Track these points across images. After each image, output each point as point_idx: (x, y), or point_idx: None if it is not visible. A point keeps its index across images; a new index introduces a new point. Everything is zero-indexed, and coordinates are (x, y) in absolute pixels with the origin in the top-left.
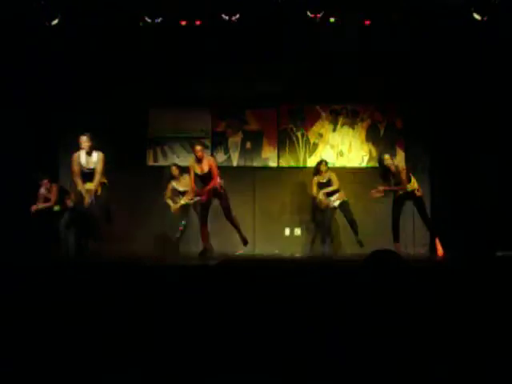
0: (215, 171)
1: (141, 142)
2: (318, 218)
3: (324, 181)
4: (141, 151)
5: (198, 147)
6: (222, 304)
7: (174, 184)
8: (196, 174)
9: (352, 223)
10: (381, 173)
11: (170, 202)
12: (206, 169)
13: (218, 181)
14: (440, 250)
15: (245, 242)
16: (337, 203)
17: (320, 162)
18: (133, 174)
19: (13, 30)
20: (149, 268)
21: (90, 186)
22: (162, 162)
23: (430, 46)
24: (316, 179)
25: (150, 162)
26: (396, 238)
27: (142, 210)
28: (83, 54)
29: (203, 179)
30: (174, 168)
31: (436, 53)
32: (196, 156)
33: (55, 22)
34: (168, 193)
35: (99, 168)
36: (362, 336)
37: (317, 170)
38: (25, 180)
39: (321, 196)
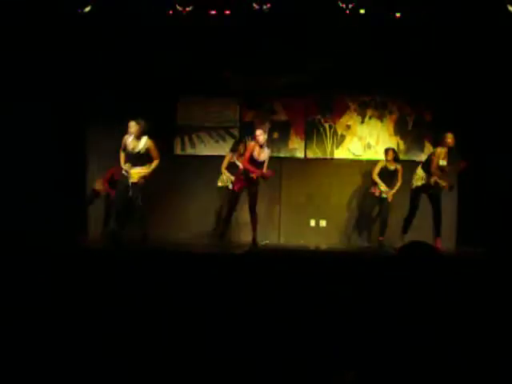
0: (266, 163)
1: (169, 131)
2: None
3: (392, 168)
4: (169, 140)
5: (259, 131)
6: (247, 294)
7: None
8: (252, 157)
9: (384, 223)
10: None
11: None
12: (263, 157)
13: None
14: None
15: (254, 241)
16: (390, 197)
17: (388, 149)
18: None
19: (42, 17)
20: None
21: (142, 170)
22: (189, 151)
23: (462, 40)
24: (382, 163)
25: (178, 151)
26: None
27: (168, 198)
28: (112, 42)
29: (257, 165)
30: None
31: (467, 47)
32: (258, 140)
33: (87, 9)
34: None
35: (155, 154)
36: (393, 329)
37: (385, 156)
38: (52, 173)
39: (382, 186)
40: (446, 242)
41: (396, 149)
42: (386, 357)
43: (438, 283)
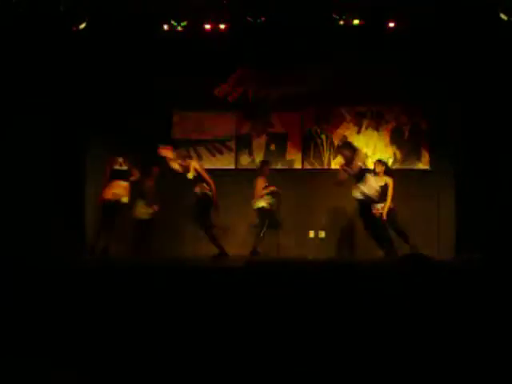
0: None
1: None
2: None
3: (381, 184)
4: None
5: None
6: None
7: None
8: None
9: (400, 233)
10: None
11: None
12: None
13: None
14: None
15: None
16: (384, 212)
17: (375, 162)
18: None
19: (37, 34)
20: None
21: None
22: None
23: (456, 48)
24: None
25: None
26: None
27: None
28: (108, 56)
29: None
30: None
31: (461, 54)
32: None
33: (82, 26)
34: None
35: None
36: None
37: (374, 170)
38: (51, 184)
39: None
40: (445, 251)
41: (392, 158)
42: (383, 361)
43: (434, 293)
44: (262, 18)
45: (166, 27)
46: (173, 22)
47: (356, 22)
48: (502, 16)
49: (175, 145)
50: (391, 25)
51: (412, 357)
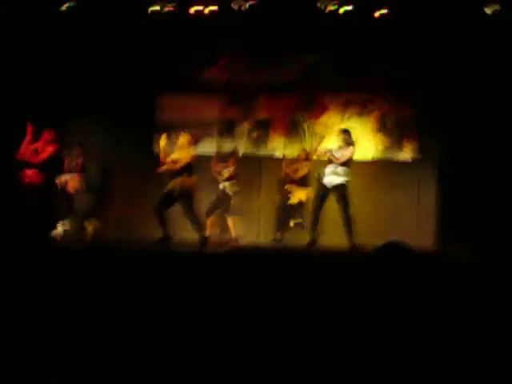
0: None
1: (148, 129)
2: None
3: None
4: (148, 138)
5: None
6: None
7: None
8: None
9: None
10: None
11: None
12: None
13: None
14: None
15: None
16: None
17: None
18: (138, 160)
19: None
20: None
21: None
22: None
23: (442, 38)
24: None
25: (157, 149)
26: None
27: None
28: (91, 39)
29: None
30: None
31: (446, 43)
32: None
33: (64, 7)
34: None
35: None
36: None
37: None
38: None
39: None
40: (426, 240)
41: (376, 147)
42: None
43: (414, 283)
44: (253, 2)
45: (152, 8)
46: (157, 6)
47: (344, 8)
48: (487, 10)
49: (158, 130)
50: (380, 12)
51: (398, 355)
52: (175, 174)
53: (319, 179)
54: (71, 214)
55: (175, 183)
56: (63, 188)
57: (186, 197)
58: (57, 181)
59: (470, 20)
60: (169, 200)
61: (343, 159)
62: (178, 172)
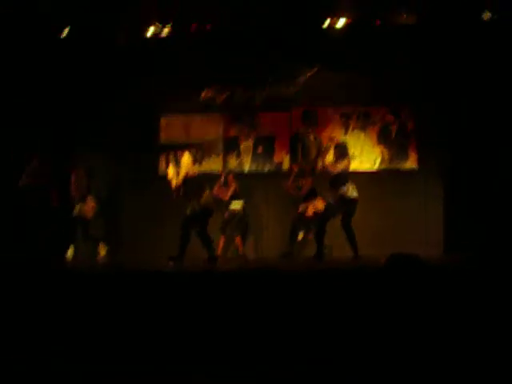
0: None
1: (153, 151)
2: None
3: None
4: (153, 159)
5: None
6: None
7: None
8: None
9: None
10: None
11: None
12: None
13: None
14: None
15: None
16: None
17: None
18: (144, 183)
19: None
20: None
21: None
22: None
23: (443, 47)
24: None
25: (163, 169)
26: None
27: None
28: (94, 62)
29: None
30: None
31: (446, 52)
32: None
33: (65, 32)
34: None
35: None
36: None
37: None
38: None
39: None
40: (435, 249)
41: (380, 158)
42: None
43: (423, 293)
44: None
45: (151, 31)
46: (157, 26)
47: (342, 22)
48: (485, 15)
49: (162, 150)
50: (378, 24)
51: (407, 359)
52: (187, 194)
53: (342, 192)
54: (86, 238)
55: (193, 205)
56: (80, 215)
57: (206, 214)
58: (75, 211)
59: (467, 28)
60: (194, 220)
61: (335, 172)
62: (191, 192)
